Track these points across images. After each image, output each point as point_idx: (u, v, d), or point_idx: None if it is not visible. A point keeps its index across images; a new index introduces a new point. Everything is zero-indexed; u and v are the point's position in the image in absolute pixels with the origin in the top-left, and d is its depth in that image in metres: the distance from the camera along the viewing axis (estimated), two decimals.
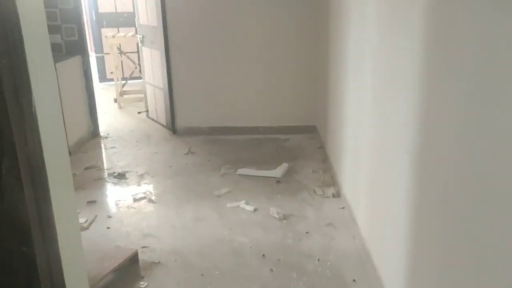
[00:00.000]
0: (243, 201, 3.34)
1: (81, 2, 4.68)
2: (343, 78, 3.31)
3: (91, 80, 4.93)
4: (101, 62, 7.55)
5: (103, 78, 7.59)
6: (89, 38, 7.10)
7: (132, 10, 6.44)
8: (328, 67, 3.99)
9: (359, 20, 2.82)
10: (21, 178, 0.90)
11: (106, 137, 4.98)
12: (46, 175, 0.94)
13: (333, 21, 3.72)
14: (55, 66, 1.28)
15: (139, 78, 6.25)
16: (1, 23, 0.92)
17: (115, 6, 7.34)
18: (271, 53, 4.68)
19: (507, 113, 1.11)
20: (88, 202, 3.42)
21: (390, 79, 2.16)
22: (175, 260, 2.66)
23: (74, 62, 4.59)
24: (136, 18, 5.30)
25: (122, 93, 6.34)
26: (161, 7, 4.58)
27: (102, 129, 5.17)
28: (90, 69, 4.91)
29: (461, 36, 1.38)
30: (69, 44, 4.63)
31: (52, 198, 1.05)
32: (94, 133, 4.95)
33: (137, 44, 5.66)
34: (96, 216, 3.22)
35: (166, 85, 4.86)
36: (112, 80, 6.71)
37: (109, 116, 5.84)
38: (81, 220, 3.09)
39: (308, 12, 4.53)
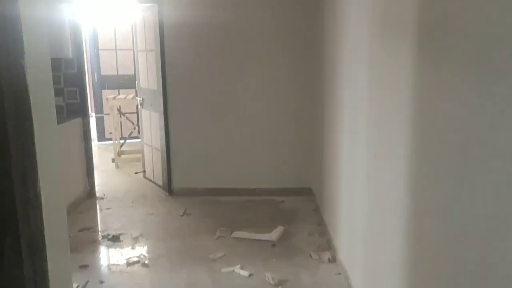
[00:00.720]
0: (238, 266, 3.30)
1: (84, 66, 4.86)
2: (337, 142, 3.40)
3: (90, 141, 5.02)
4: (100, 122, 7.69)
5: (101, 137, 7.70)
6: (90, 99, 7.29)
7: (133, 73, 6.67)
8: (323, 130, 4.10)
9: (351, 85, 2.95)
10: (22, 256, 0.92)
11: (102, 198, 4.98)
12: (46, 253, 0.97)
13: (328, 85, 3.87)
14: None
15: (137, 138, 6.35)
16: (12, 102, 0.98)
17: (117, 69, 7.60)
18: (268, 117, 4.82)
19: (495, 194, 1.16)
20: (81, 266, 3.37)
21: (383, 143, 2.24)
22: None
23: (74, 124, 4.70)
24: (136, 82, 5.49)
25: (120, 153, 6.41)
26: (162, 72, 4.76)
27: (99, 189, 5.18)
28: (90, 131, 5.01)
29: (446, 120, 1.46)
30: (70, 106, 4.76)
31: (49, 273, 1.07)
32: (90, 194, 4.96)
33: (137, 105, 5.81)
34: (87, 281, 3.16)
35: (164, 147, 4.95)
36: (110, 139, 6.81)
37: (106, 175, 5.88)
38: (73, 286, 3.03)
39: (305, 76, 4.71)
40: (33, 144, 0.95)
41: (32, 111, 1.02)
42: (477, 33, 1.25)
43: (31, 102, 1.04)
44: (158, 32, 4.69)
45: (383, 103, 2.20)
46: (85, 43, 6.98)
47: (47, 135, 1.13)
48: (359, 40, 2.71)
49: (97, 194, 5.05)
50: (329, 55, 3.75)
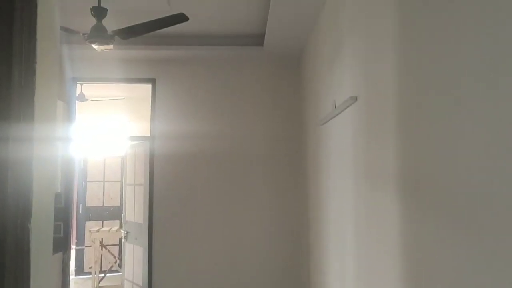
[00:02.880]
0: None
1: (73, 200, 4.88)
2: (325, 261, 3.34)
3: (68, 277, 4.81)
4: (80, 255, 7.44)
5: (80, 271, 7.36)
6: (73, 231, 7.15)
7: (118, 204, 6.68)
8: (309, 267, 4.04)
9: (337, 191, 3.01)
10: None
11: None
12: None
13: (314, 222, 3.93)
14: None
15: (118, 272, 6.11)
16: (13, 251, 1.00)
17: (103, 200, 7.62)
18: (259, 248, 4.76)
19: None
20: None
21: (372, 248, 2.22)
22: None
23: (54, 259, 4.55)
24: (122, 214, 5.48)
25: None
26: (149, 207, 4.80)
27: None
28: (69, 266, 4.83)
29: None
30: (53, 241, 4.65)
31: None
32: None
33: (120, 238, 5.72)
34: None
35: (146, 283, 4.75)
36: (89, 273, 6.52)
37: None
38: None
39: (292, 213, 4.79)
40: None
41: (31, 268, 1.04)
42: (452, 194, 1.37)
43: (31, 262, 1.06)
44: (148, 168, 4.85)
45: (370, 249, 2.25)
46: (75, 176, 7.09)
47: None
48: (345, 184, 2.86)
49: None
50: (314, 189, 3.89)
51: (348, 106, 2.67)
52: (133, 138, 5.76)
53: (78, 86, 5.93)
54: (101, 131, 6.61)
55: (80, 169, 7.65)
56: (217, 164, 4.85)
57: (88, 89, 6.11)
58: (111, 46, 3.37)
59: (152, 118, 4.89)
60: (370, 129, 2.26)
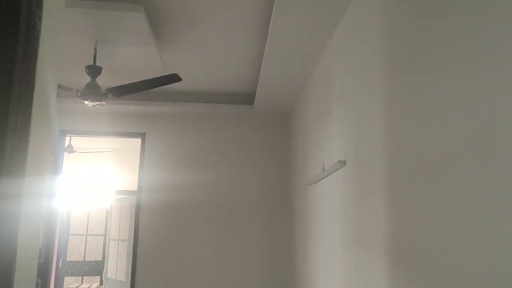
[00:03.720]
0: None
1: (53, 255, 4.72)
2: None
3: None
4: None
5: None
6: None
7: (100, 259, 6.47)
8: None
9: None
10: None
11: None
12: None
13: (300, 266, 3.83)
14: None
15: None
16: None
17: (84, 255, 7.38)
18: None
19: None
20: None
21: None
22: None
23: None
24: (104, 271, 5.30)
25: None
26: (132, 264, 4.65)
27: None
28: None
29: None
30: None
31: None
32: None
33: None
34: None
35: None
36: None
37: None
38: None
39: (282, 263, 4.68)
40: None
41: None
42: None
43: None
44: (134, 223, 4.75)
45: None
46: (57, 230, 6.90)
47: None
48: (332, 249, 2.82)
49: None
50: (302, 250, 3.82)
51: (337, 169, 2.69)
52: (120, 192, 5.69)
53: (67, 138, 5.94)
54: (88, 183, 6.52)
55: (62, 222, 7.46)
56: (206, 216, 4.77)
57: (76, 140, 6.09)
58: (103, 102, 3.41)
59: (140, 171, 4.85)
60: (359, 194, 2.27)
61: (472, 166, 1.22)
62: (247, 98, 4.69)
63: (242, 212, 4.82)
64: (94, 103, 3.37)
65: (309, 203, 3.60)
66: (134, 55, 3.24)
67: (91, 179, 6.73)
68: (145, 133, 4.94)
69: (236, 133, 4.99)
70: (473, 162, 1.21)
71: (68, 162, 5.54)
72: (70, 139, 5.97)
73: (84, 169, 6.81)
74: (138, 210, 4.77)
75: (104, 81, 3.12)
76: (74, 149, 6.27)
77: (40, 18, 1.09)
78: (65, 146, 6.19)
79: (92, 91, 2.98)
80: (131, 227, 4.79)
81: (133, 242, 4.70)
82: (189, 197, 4.79)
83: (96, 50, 3.04)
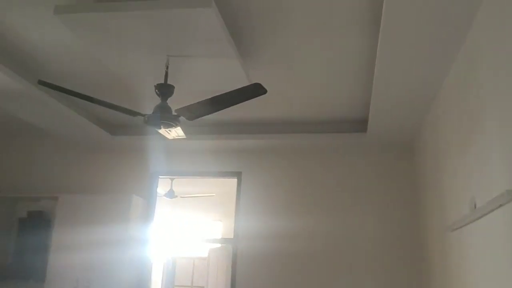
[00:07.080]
0: None
1: None
2: None
3: None
4: None
5: None
6: None
7: None
8: None
9: None
10: None
11: None
12: None
13: None
14: None
15: None
16: None
17: None
18: None
19: None
20: None
21: None
22: None
23: None
24: None
25: None
26: None
27: None
28: None
29: None
30: None
31: None
32: None
33: None
34: None
35: None
36: None
37: None
38: None
39: None
40: None
41: None
42: None
43: None
44: (230, 274, 4.08)
45: None
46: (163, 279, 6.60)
47: None
48: None
49: None
50: None
51: (500, 206, 1.73)
52: (215, 240, 5.12)
53: (168, 182, 5.63)
54: (187, 230, 6.12)
55: (168, 271, 7.13)
56: (310, 269, 3.90)
57: (178, 185, 5.76)
58: (181, 133, 2.88)
59: (237, 216, 4.23)
60: None
61: None
62: (358, 124, 3.85)
63: (353, 268, 3.84)
64: (172, 133, 2.87)
65: (451, 258, 2.56)
66: (211, 70, 2.69)
67: (191, 226, 6.33)
68: (241, 172, 4.35)
69: (346, 168, 4.13)
70: None
71: (170, 207, 5.20)
72: (172, 183, 5.67)
73: (185, 214, 6.46)
74: (235, 260, 4.11)
75: (176, 105, 2.58)
76: (175, 194, 5.97)
77: None
78: (167, 191, 5.92)
79: (161, 114, 2.46)
80: (227, 278, 4.13)
81: None
82: (290, 245, 3.99)
83: (167, 67, 2.55)
